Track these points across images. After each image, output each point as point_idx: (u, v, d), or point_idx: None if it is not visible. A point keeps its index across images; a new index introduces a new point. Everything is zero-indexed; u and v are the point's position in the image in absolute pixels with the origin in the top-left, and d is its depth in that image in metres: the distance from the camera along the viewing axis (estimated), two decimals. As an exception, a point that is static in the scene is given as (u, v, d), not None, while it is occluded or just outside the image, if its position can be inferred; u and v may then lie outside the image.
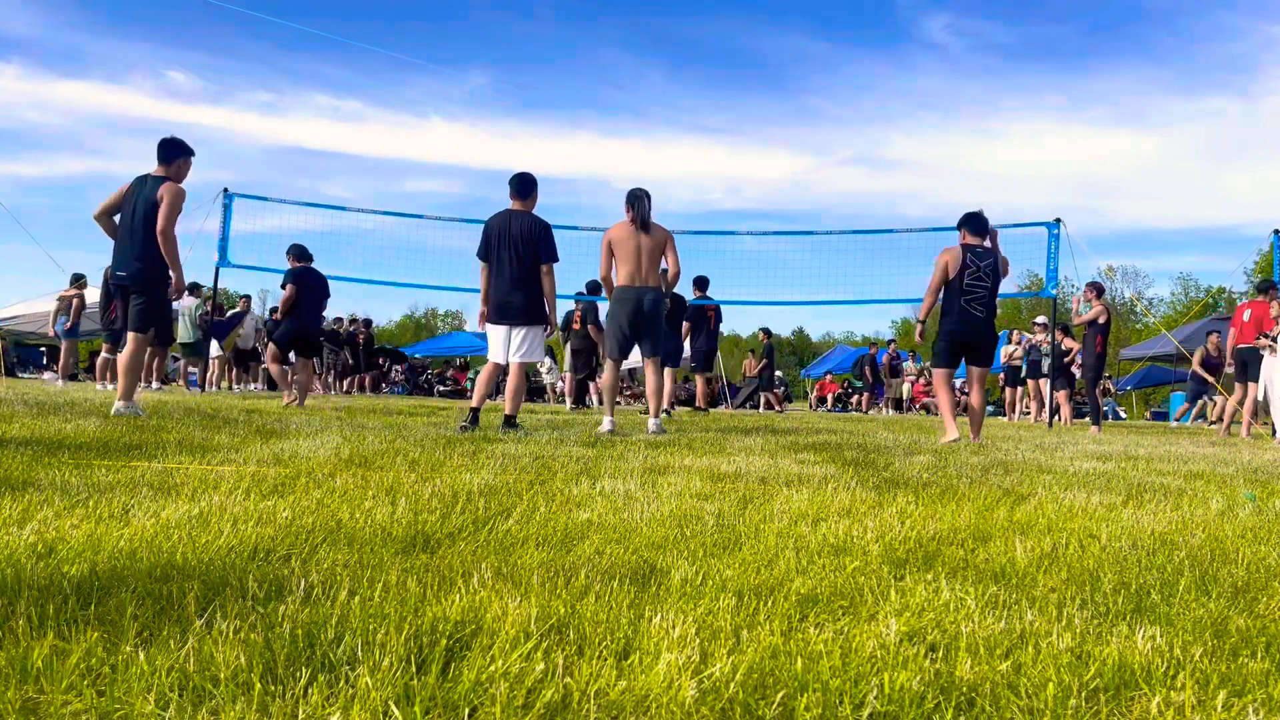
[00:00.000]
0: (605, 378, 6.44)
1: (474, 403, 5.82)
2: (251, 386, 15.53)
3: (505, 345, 5.91)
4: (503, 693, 0.98)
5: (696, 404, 11.92)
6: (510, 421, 5.75)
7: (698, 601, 1.38)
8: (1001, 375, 16.07)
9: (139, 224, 5.48)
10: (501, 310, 5.83)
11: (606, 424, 5.89)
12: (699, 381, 12.08)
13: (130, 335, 5.59)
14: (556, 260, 5.86)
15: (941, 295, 6.26)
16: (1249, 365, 9.22)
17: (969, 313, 6.14)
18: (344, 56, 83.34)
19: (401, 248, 16.28)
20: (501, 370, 6.02)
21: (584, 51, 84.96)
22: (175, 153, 5.67)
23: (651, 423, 6.08)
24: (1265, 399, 8.64)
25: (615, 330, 6.16)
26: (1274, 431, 8.64)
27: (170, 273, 5.61)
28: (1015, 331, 15.30)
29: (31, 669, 1.00)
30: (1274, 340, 8.42)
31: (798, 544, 1.88)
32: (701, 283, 11.45)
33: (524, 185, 5.90)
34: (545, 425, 6.48)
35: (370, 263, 14.08)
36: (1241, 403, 9.52)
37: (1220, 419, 9.68)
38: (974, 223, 6.29)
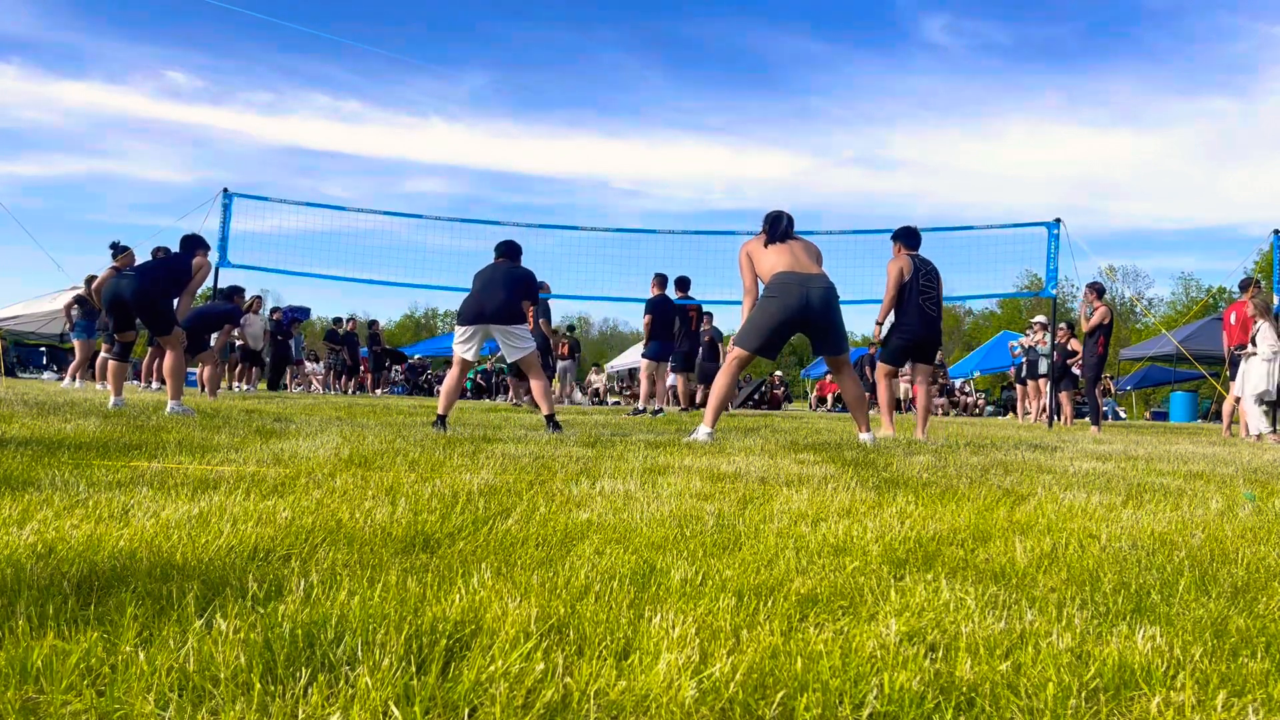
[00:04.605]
0: (722, 376, 5.38)
1: (441, 409, 5.69)
2: (248, 387, 15.52)
3: (474, 347, 5.86)
4: (503, 693, 0.98)
5: (682, 405, 12.07)
6: (552, 421, 5.79)
7: (697, 601, 1.38)
8: (1011, 371, 16.20)
9: (160, 264, 6.67)
10: (478, 311, 5.70)
11: (702, 433, 5.13)
12: (679, 381, 12.23)
13: (162, 340, 6.51)
14: (536, 304, 6.09)
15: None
16: (1239, 366, 9.38)
17: (925, 312, 6.56)
18: (344, 56, 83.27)
19: (401, 248, 16.33)
20: (464, 372, 5.94)
21: (584, 52, 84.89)
22: (198, 245, 6.91)
23: (863, 436, 5.35)
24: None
25: (765, 321, 5.17)
26: (1271, 429, 8.74)
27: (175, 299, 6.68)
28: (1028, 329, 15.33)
29: (31, 669, 1.00)
30: (1252, 344, 8.56)
31: (798, 544, 1.88)
32: (683, 283, 11.53)
33: (511, 248, 6.11)
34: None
35: (370, 263, 14.08)
36: (1238, 402, 9.58)
37: None
38: (909, 237, 6.84)
